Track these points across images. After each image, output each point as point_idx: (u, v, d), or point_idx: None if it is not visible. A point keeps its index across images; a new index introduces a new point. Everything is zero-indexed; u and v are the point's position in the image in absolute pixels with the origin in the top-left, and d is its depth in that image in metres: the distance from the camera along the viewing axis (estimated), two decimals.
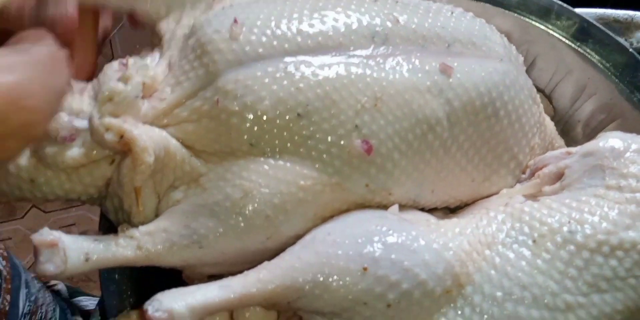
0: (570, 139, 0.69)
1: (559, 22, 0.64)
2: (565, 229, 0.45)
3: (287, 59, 0.45)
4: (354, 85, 0.46)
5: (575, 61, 0.64)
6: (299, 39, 0.46)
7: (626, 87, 0.62)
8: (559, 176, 0.51)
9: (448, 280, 0.44)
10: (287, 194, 0.45)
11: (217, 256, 0.46)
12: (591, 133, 0.67)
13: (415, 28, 0.50)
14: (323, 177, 0.46)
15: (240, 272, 0.46)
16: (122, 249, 0.44)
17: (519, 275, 0.44)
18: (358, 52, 0.47)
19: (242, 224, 0.44)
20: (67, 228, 1.36)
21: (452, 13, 0.53)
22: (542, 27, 0.64)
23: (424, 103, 0.47)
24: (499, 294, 0.44)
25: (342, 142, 0.45)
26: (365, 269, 0.42)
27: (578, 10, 0.63)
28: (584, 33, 0.63)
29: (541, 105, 0.60)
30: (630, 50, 0.62)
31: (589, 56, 0.63)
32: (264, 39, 0.46)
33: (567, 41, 0.64)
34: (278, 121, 0.44)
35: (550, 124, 0.64)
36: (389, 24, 0.49)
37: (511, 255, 0.45)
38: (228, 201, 0.44)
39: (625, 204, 0.45)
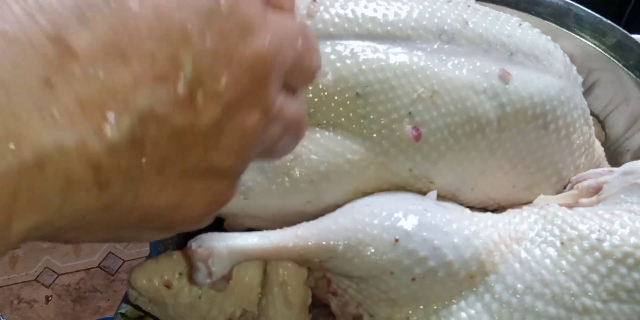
0: (617, 166, 0.70)
1: (621, 52, 0.65)
2: (594, 236, 0.46)
3: (356, 42, 0.49)
4: (414, 75, 0.48)
5: (634, 91, 0.65)
6: (370, 25, 0.49)
7: None
8: (597, 190, 0.52)
9: (473, 266, 0.46)
10: (333, 164, 0.48)
11: (259, 210, 0.49)
12: None
13: (482, 32, 0.52)
14: (370, 155, 0.48)
15: None
16: None
17: (542, 272, 0.46)
18: (424, 46, 0.50)
19: (287, 184, 0.47)
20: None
21: (520, 24, 0.56)
22: (606, 54, 0.66)
23: (478, 102, 0.50)
24: (520, 286, 0.46)
25: (393, 126, 0.48)
26: (397, 240, 0.45)
27: (636, 36, 0.65)
28: None
29: (593, 128, 0.62)
30: None
31: None
32: (337, 19, 0.49)
33: (628, 71, 0.65)
34: (337, 97, 0.48)
35: (599, 148, 0.66)
36: (457, 24, 0.52)
37: (538, 252, 0.47)
38: (278, 161, 0.47)
39: None
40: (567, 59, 0.59)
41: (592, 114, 0.70)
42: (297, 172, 0.48)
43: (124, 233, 0.29)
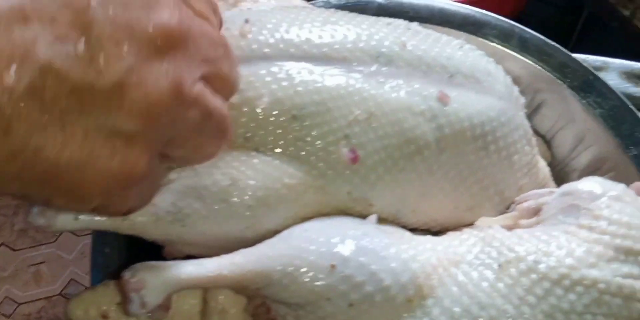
0: None
1: (566, 73, 0.66)
2: (530, 258, 0.47)
3: (291, 63, 0.49)
4: (351, 97, 0.48)
5: (578, 111, 0.66)
6: (306, 46, 0.49)
7: (623, 142, 0.65)
8: (537, 211, 0.53)
9: (411, 290, 0.46)
10: (271, 189, 0.47)
11: (198, 237, 0.48)
12: None
13: (421, 55, 0.53)
14: (307, 179, 0.48)
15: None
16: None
17: (479, 294, 0.46)
18: (360, 68, 0.50)
19: (225, 210, 0.47)
20: (36, 266, 1.39)
21: (461, 47, 0.56)
22: (551, 75, 0.67)
23: (416, 124, 0.50)
24: (457, 309, 0.45)
25: (330, 148, 0.48)
26: (333, 266, 0.45)
27: (580, 56, 0.66)
28: (589, 85, 0.66)
29: (536, 148, 0.62)
30: (631, 106, 0.65)
31: (592, 108, 0.65)
32: (271, 40, 0.49)
33: (573, 92, 0.66)
34: (273, 119, 0.47)
35: (545, 168, 0.66)
36: (396, 47, 0.52)
37: (475, 275, 0.47)
38: (216, 187, 0.47)
39: (593, 243, 0.47)
40: (509, 80, 0.60)
41: (538, 134, 0.71)
42: (235, 198, 0.47)
43: (32, 190, 0.31)
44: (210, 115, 0.35)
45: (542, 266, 0.46)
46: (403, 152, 0.50)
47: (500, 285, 0.46)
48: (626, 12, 0.88)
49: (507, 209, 0.59)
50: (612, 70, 0.71)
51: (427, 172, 0.52)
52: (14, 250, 1.52)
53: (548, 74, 0.67)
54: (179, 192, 0.48)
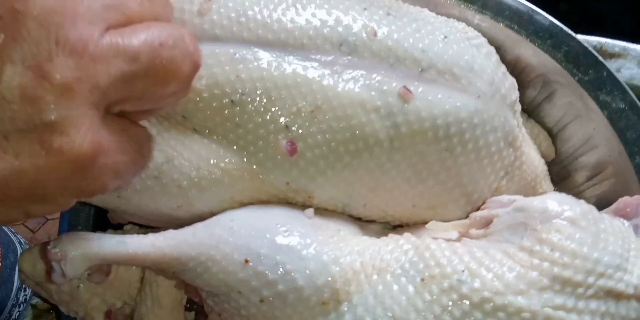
0: (564, 185, 0.66)
1: (579, 66, 0.60)
2: (455, 276, 0.44)
3: (240, 47, 0.47)
4: (297, 88, 0.46)
5: (586, 108, 0.61)
6: (260, 31, 0.47)
7: (629, 148, 0.59)
8: (488, 222, 0.50)
9: (326, 293, 0.45)
10: (205, 171, 0.47)
11: (134, 209, 0.49)
12: (584, 185, 0.65)
13: (391, 45, 0.49)
14: (244, 165, 0.47)
15: (157, 227, 0.49)
16: None
17: (394, 307, 0.44)
18: (318, 57, 0.48)
19: (156, 187, 0.47)
20: None
21: (445, 37, 0.51)
22: (562, 66, 0.61)
23: (367, 121, 0.47)
24: (368, 319, 0.45)
25: (269, 138, 0.47)
26: (247, 261, 0.44)
27: (580, 37, 0.59)
28: (601, 81, 0.60)
29: (523, 150, 0.58)
30: None
31: (599, 107, 0.60)
32: (225, 22, 0.47)
33: (583, 86, 0.60)
34: (213, 103, 0.46)
35: (538, 168, 0.62)
36: (364, 35, 0.48)
37: (395, 287, 0.45)
38: (151, 163, 0.47)
39: (529, 269, 0.45)
40: (498, 76, 0.54)
41: (544, 127, 0.66)
42: (167, 176, 0.47)
43: (2, 210, 0.30)
44: (137, 55, 0.31)
45: (464, 287, 0.44)
46: (349, 148, 0.48)
47: (418, 300, 0.45)
48: None
49: (478, 209, 0.56)
50: (631, 58, 0.64)
51: (379, 170, 0.49)
52: None
53: (559, 65, 0.61)
54: None
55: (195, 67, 0.35)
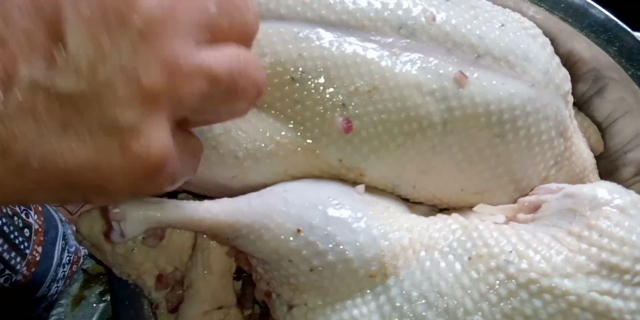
0: (610, 180, 0.66)
1: (632, 60, 0.60)
2: (503, 257, 0.45)
3: (304, 26, 0.48)
4: (356, 67, 0.47)
5: (636, 104, 0.61)
6: (324, 11, 0.48)
7: None
8: (537, 207, 0.50)
9: (374, 266, 0.46)
10: (261, 143, 0.49)
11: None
12: (631, 181, 0.64)
13: (449, 30, 0.50)
14: (299, 140, 0.49)
15: (210, 197, 0.51)
16: None
17: (440, 283, 0.45)
18: (377, 39, 0.49)
19: (212, 157, 0.49)
20: None
21: (502, 25, 0.52)
22: (615, 61, 0.61)
23: (422, 103, 0.48)
24: (415, 293, 0.46)
25: (326, 115, 0.48)
26: (299, 230, 0.46)
27: (636, 33, 0.59)
28: None
29: (574, 141, 0.58)
30: None
31: None
32: (290, 2, 0.48)
33: (635, 81, 0.60)
34: (274, 79, 0.48)
35: (588, 160, 0.62)
36: (423, 19, 0.49)
37: (442, 264, 0.46)
38: (210, 133, 0.48)
39: (576, 253, 0.45)
40: (553, 66, 0.55)
41: (594, 121, 0.66)
42: (224, 146, 0.49)
43: (63, 195, 0.31)
44: (218, 79, 0.33)
45: (511, 267, 0.45)
46: (403, 129, 0.49)
47: (465, 278, 0.45)
48: None
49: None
50: None
51: (430, 152, 0.50)
52: None
53: (612, 59, 0.61)
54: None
55: (260, 94, 0.37)
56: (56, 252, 0.92)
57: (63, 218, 1.02)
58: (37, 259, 0.87)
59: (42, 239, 0.91)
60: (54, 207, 1.01)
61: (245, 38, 0.36)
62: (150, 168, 0.31)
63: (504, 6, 0.59)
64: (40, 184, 0.30)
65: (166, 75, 0.30)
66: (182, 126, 0.36)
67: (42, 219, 0.92)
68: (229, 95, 0.34)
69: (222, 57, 0.33)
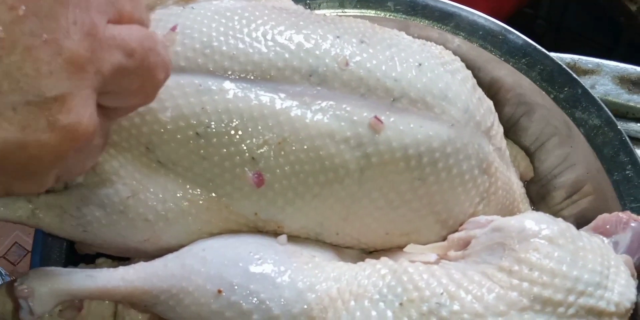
0: (543, 205, 0.66)
1: (554, 84, 0.60)
2: (434, 300, 0.44)
3: (205, 79, 0.46)
4: (264, 120, 0.46)
5: (562, 126, 0.61)
6: (227, 63, 0.46)
7: (607, 164, 0.59)
8: (466, 243, 0.49)
9: None
10: (171, 204, 0.47)
11: (100, 242, 0.48)
12: (563, 204, 0.64)
13: (363, 75, 0.48)
14: (211, 197, 0.47)
15: (128, 258, 0.48)
16: (17, 210, 0.48)
17: None
18: (286, 88, 0.47)
19: (123, 221, 0.46)
20: None
21: (419, 64, 0.50)
22: (536, 85, 0.61)
23: (336, 152, 0.47)
24: None
25: (236, 170, 0.46)
26: (220, 291, 0.44)
27: (553, 54, 0.59)
28: (575, 99, 0.60)
29: (500, 175, 0.56)
30: (619, 127, 0.58)
31: (575, 124, 0.60)
32: (189, 53, 0.46)
33: (558, 104, 0.60)
34: (177, 135, 0.46)
35: (517, 190, 0.61)
36: (335, 65, 0.48)
37: (373, 313, 0.44)
38: (117, 197, 0.46)
39: (508, 289, 0.44)
40: (473, 102, 0.53)
41: (522, 146, 0.66)
42: (133, 210, 0.47)
43: None
44: (133, 51, 0.33)
45: (444, 310, 0.43)
46: (318, 179, 0.47)
47: None
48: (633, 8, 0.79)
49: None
50: (605, 74, 0.65)
51: (350, 199, 0.49)
52: None
53: (534, 83, 0.61)
54: (84, 197, 0.47)
55: (167, 76, 0.36)
56: None
57: (3, 271, 0.98)
58: None
59: None
60: None
61: (147, 21, 0.36)
62: (78, 142, 0.30)
63: (429, 38, 0.58)
64: None
65: (87, 42, 0.29)
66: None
67: None
68: (142, 71, 0.34)
69: (134, 33, 0.33)
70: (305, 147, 0.46)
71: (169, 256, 0.46)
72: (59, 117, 0.29)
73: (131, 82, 0.34)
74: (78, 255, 0.55)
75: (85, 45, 0.29)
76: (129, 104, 0.37)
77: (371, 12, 0.62)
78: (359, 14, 0.62)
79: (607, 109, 0.59)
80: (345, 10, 0.62)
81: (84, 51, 0.29)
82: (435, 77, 0.51)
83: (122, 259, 0.53)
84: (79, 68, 0.29)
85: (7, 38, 0.27)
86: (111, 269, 0.46)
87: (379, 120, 0.47)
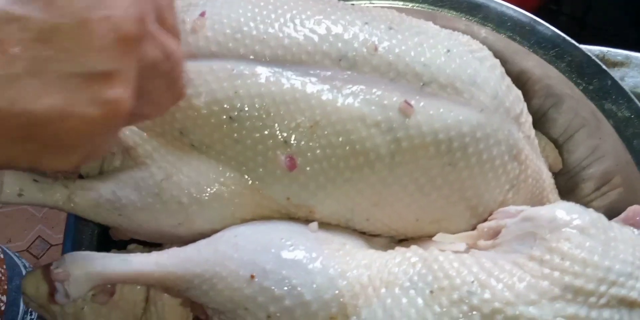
0: (571, 197, 0.65)
1: (583, 75, 0.60)
2: (465, 288, 0.44)
3: (238, 63, 0.47)
4: (296, 103, 0.46)
5: (591, 118, 0.60)
6: (257, 47, 0.47)
7: (636, 156, 0.59)
8: (496, 233, 0.49)
9: (333, 308, 0.44)
10: (205, 186, 0.47)
11: (135, 226, 0.49)
12: (592, 196, 0.64)
13: (392, 60, 0.48)
14: (244, 180, 0.47)
15: (159, 245, 0.49)
16: (54, 194, 0.48)
17: None
18: (317, 72, 0.47)
19: (157, 205, 0.47)
20: None
21: (447, 51, 0.51)
22: (566, 76, 0.60)
23: (367, 136, 0.47)
24: None
25: (268, 154, 0.46)
26: (252, 276, 0.44)
27: (582, 46, 0.59)
28: (605, 91, 0.59)
29: (529, 163, 0.57)
30: None
31: (605, 116, 0.59)
32: (220, 38, 0.47)
33: (587, 95, 0.60)
34: (211, 119, 0.46)
35: (547, 180, 0.61)
36: (364, 50, 0.48)
37: (404, 300, 0.44)
38: (151, 179, 0.47)
39: (539, 278, 0.44)
40: (503, 89, 0.53)
41: (550, 138, 0.66)
42: (167, 193, 0.47)
43: (15, 150, 0.29)
44: (169, 54, 0.33)
45: (475, 298, 0.43)
46: (349, 163, 0.47)
47: (428, 313, 0.44)
48: None
49: (484, 222, 0.55)
50: (634, 66, 0.64)
51: (380, 184, 0.49)
52: None
53: (562, 75, 0.61)
54: (120, 181, 0.48)
55: (181, 97, 0.36)
56: (22, 299, 0.89)
57: (27, 264, 0.99)
58: (3, 308, 0.84)
59: (5, 287, 0.88)
60: (16, 253, 0.98)
61: (179, 39, 0.36)
62: (118, 119, 0.30)
63: (456, 29, 0.59)
64: (4, 134, 0.28)
65: (139, 27, 0.29)
66: None
67: (4, 266, 0.89)
68: (170, 78, 0.34)
69: (172, 40, 0.33)
70: (337, 130, 0.46)
71: (202, 242, 0.47)
72: (104, 93, 0.29)
73: (158, 85, 0.34)
74: (109, 241, 0.56)
75: (137, 28, 0.29)
76: (142, 112, 0.36)
77: (399, 3, 0.62)
78: (386, 4, 0.62)
79: (637, 101, 0.59)
80: (373, 1, 0.63)
81: (135, 32, 0.29)
82: (464, 63, 0.51)
83: (153, 245, 0.53)
84: (129, 48, 0.29)
85: (67, 8, 0.27)
86: (145, 254, 0.46)
87: (408, 104, 0.47)
